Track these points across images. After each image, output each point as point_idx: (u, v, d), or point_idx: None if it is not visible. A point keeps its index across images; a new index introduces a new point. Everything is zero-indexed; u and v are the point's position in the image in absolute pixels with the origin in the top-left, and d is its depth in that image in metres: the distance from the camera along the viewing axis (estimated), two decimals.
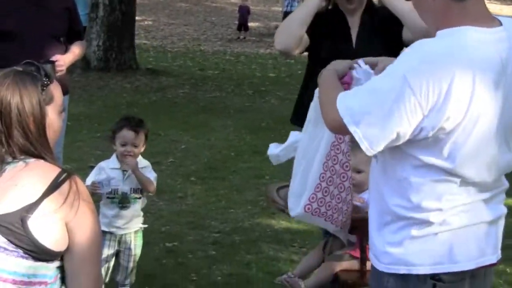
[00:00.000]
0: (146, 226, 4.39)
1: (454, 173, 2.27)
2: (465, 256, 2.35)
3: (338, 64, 2.63)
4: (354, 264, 3.42)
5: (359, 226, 3.29)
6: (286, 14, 21.16)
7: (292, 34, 3.79)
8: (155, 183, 4.23)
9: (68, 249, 2.33)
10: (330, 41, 3.91)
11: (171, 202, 6.29)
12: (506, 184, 2.46)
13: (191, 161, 7.66)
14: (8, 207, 2.24)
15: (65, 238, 2.31)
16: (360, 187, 3.44)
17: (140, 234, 4.30)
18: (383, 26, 3.91)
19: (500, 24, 2.28)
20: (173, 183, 6.77)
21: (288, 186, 3.54)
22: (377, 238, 2.41)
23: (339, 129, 2.34)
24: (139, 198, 4.22)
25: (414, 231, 2.32)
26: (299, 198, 2.85)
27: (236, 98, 11.32)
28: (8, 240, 2.24)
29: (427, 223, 2.30)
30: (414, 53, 2.24)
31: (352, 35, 3.96)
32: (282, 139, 3.37)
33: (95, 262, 2.43)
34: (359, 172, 3.42)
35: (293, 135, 3.22)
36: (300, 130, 3.59)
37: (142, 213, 4.32)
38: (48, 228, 2.27)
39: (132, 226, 4.24)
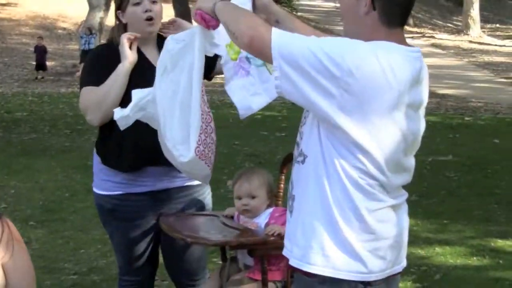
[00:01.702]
0: None
1: (372, 173, 2.42)
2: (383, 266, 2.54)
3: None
4: (254, 287, 3.48)
5: (258, 248, 3.39)
6: (84, 52, 20.88)
7: (108, 110, 3.43)
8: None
9: None
10: (133, 83, 3.48)
11: None
12: (406, 194, 2.65)
13: (25, 205, 7.40)
14: None
15: (2, 280, 2.24)
16: (254, 213, 3.53)
17: None
18: None
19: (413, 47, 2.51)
20: None
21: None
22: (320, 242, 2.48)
23: (255, 46, 2.41)
24: None
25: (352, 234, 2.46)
26: (186, 143, 2.80)
27: (54, 139, 11.07)
28: None
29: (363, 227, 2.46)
30: (358, 42, 2.38)
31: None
32: None
33: None
34: (253, 197, 3.50)
35: (136, 93, 3.13)
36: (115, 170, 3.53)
37: None
38: None
39: None
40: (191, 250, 3.75)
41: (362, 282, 2.48)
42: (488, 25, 34.58)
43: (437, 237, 6.35)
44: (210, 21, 2.73)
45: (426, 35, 30.96)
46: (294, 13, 35.38)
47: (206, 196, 3.77)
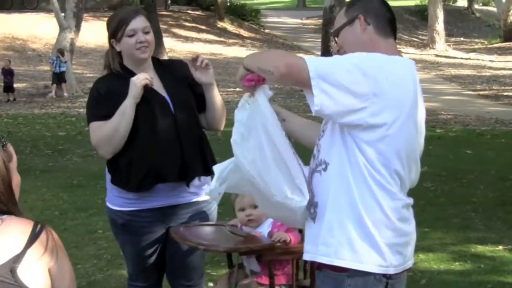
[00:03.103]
0: None
1: (393, 170, 2.72)
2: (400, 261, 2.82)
3: None
4: None
5: (266, 254, 3.61)
6: (55, 74, 20.97)
7: (118, 144, 3.71)
8: None
9: None
10: (140, 108, 3.74)
11: None
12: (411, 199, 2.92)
13: None
14: None
15: (49, 284, 2.41)
16: (257, 222, 3.76)
17: None
18: (183, 76, 3.87)
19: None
20: None
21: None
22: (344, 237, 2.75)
23: (293, 73, 2.66)
24: None
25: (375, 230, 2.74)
26: (295, 190, 2.88)
27: (36, 159, 11.18)
28: None
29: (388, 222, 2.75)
30: (373, 55, 2.73)
31: (157, 90, 3.80)
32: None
33: None
34: (255, 207, 3.71)
35: (217, 168, 3.21)
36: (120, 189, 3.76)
37: None
38: (35, 276, 2.37)
39: None
40: (191, 258, 3.95)
41: (385, 275, 2.77)
42: (453, 39, 35.23)
43: (420, 244, 6.52)
44: (253, 78, 2.81)
45: None
46: (261, 30, 35.51)
47: (213, 211, 3.99)
